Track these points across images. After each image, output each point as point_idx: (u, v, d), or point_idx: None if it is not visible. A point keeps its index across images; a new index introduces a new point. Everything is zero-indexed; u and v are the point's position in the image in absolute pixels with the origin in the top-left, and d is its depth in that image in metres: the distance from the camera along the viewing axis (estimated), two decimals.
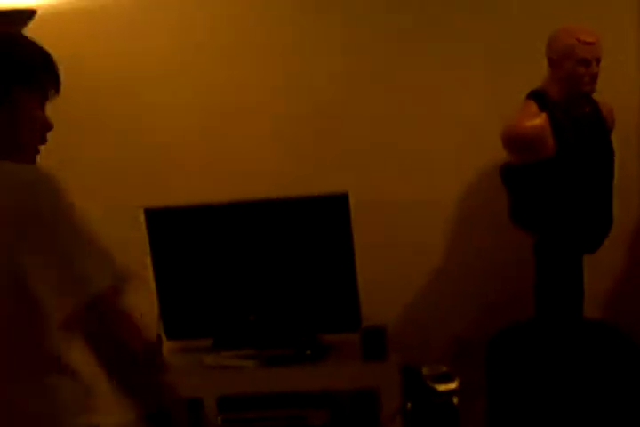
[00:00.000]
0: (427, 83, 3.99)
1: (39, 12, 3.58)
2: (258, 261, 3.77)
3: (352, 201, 3.68)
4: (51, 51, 1.79)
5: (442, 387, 3.76)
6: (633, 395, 3.70)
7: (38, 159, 1.84)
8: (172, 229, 3.79)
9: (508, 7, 3.93)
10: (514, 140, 3.51)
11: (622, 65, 3.89)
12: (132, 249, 3.82)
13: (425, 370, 3.85)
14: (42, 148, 1.85)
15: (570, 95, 3.47)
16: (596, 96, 3.53)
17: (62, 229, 1.67)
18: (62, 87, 1.83)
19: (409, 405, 3.75)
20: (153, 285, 3.77)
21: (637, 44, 3.93)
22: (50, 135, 1.85)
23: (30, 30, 3.54)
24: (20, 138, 1.80)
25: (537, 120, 3.45)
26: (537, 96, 3.51)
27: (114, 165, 3.98)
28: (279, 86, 3.98)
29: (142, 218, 3.72)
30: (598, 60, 3.38)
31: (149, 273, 3.77)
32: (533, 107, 3.49)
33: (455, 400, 3.74)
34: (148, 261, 3.76)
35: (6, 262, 1.63)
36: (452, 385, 3.77)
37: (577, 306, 3.73)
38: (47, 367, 1.70)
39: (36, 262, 1.62)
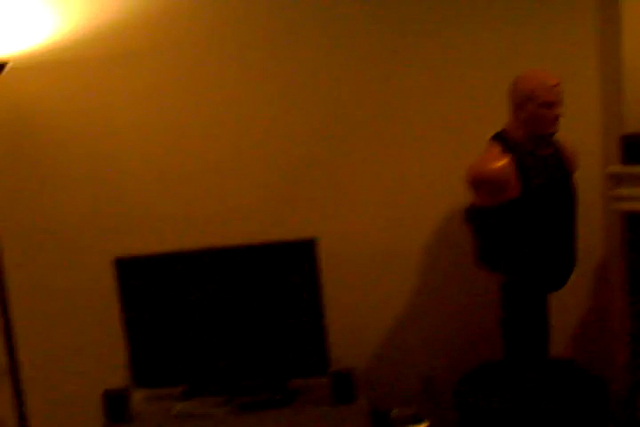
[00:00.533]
0: (390, 129, 4.02)
1: (9, 65, 3.58)
2: (227, 308, 3.74)
3: (320, 246, 3.68)
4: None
5: None
6: None
7: None
8: (142, 277, 3.74)
9: (471, 51, 3.99)
10: (479, 182, 3.52)
11: (584, 107, 3.97)
12: (102, 298, 3.81)
13: (394, 412, 3.85)
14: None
15: (533, 137, 3.51)
16: (558, 138, 3.58)
17: None
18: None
19: None
20: (123, 333, 3.73)
21: (599, 87, 4.01)
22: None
23: (1, 82, 3.55)
24: None
25: (501, 162, 3.48)
26: (501, 138, 3.54)
27: (84, 215, 3.97)
28: (248, 135, 3.99)
29: (113, 267, 3.69)
30: (560, 103, 3.43)
31: (118, 322, 3.74)
32: (497, 149, 3.51)
33: None
34: (119, 309, 3.73)
35: None
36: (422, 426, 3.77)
37: (543, 345, 3.75)
38: None
39: None
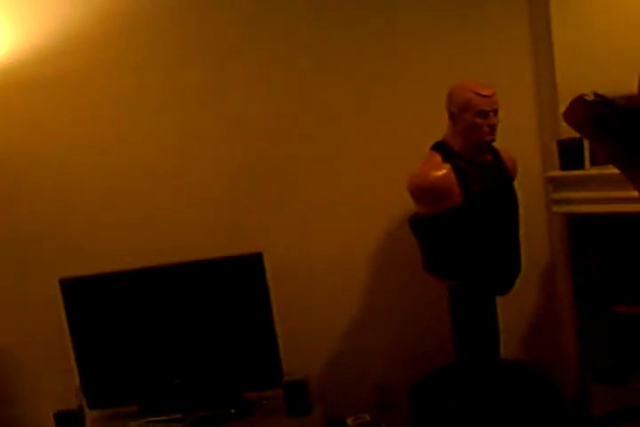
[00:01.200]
0: (334, 140, 4.05)
1: None
2: (178, 325, 3.75)
3: (266, 260, 3.70)
4: None
5: None
6: None
7: None
8: (88, 297, 3.74)
9: (410, 61, 4.04)
10: (421, 191, 3.57)
11: (521, 114, 4.03)
12: (49, 319, 3.80)
13: (349, 421, 3.87)
14: None
15: (471, 145, 3.56)
16: (497, 145, 3.63)
17: None
18: None
19: None
20: (72, 355, 3.73)
21: (534, 94, 4.07)
22: None
23: None
24: None
25: (442, 170, 3.52)
26: (440, 147, 3.59)
27: (30, 235, 3.95)
28: (193, 150, 3.99)
29: (58, 288, 3.68)
30: (496, 111, 3.47)
31: (68, 343, 3.73)
32: (437, 158, 3.56)
33: None
34: (66, 330, 3.72)
35: None
36: None
37: (494, 347, 3.79)
38: None
39: None
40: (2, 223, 3.94)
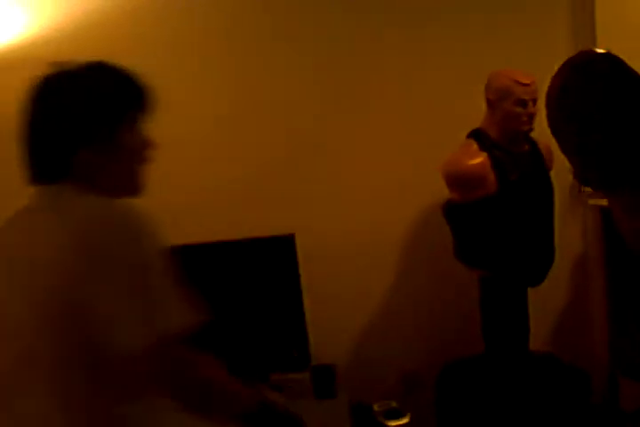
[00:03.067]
0: (368, 123, 4.03)
1: None
2: (208, 304, 3.76)
3: (299, 242, 3.69)
4: None
5: (393, 423, 3.78)
6: (582, 424, 3.76)
7: None
8: None
9: (448, 48, 4.02)
10: (456, 179, 3.56)
11: None
12: None
13: (375, 407, 3.87)
14: None
15: (508, 134, 3.54)
16: (534, 135, 3.61)
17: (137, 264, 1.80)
18: None
19: None
20: None
21: None
22: None
23: None
24: (121, 175, 2.03)
25: (478, 159, 3.51)
26: (477, 135, 3.58)
27: None
28: (225, 130, 3.99)
29: None
30: (535, 101, 3.44)
31: None
32: (474, 146, 3.55)
33: None
34: None
35: (69, 290, 1.71)
36: (403, 421, 3.79)
37: (523, 339, 3.78)
38: (114, 396, 1.80)
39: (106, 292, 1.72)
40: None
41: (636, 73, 1.68)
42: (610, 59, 1.67)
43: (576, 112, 1.57)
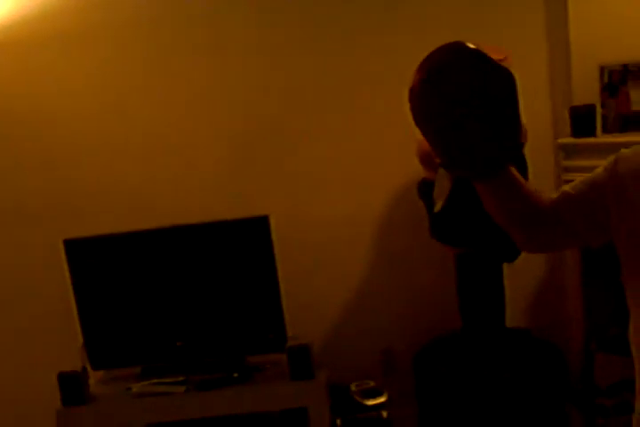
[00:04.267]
0: (344, 99, 4.02)
1: None
2: (182, 287, 3.74)
3: (273, 224, 3.67)
4: None
5: (371, 402, 3.79)
6: (557, 398, 3.77)
7: None
8: (92, 258, 3.74)
9: (422, 24, 3.98)
10: (428, 156, 3.54)
11: (533, 80, 3.98)
12: (53, 281, 3.78)
13: (353, 386, 3.87)
14: None
15: None
16: None
17: None
18: None
19: (339, 421, 3.76)
20: (76, 315, 3.72)
21: (547, 59, 4.01)
22: None
23: None
24: None
25: None
26: None
27: (35, 196, 3.95)
28: (199, 111, 3.97)
29: (62, 249, 3.67)
30: None
31: (72, 304, 3.72)
32: None
33: (385, 414, 3.76)
34: (70, 292, 3.71)
35: None
36: (381, 399, 3.80)
37: (499, 315, 3.78)
38: None
39: None
40: (6, 182, 3.93)
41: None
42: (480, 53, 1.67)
43: (453, 98, 1.55)
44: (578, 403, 3.99)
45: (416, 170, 3.59)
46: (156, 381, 3.66)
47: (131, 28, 3.86)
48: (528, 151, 3.70)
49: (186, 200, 3.92)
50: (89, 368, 3.72)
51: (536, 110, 3.99)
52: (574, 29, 3.79)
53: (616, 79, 3.68)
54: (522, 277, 4.06)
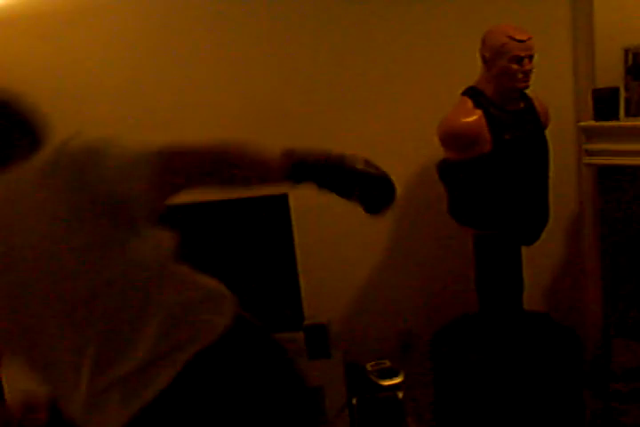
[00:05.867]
0: (363, 83, 4.00)
1: None
2: (198, 263, 3.74)
3: (293, 200, 3.67)
4: None
5: (387, 382, 3.79)
6: (574, 383, 3.77)
7: None
8: None
9: (443, 5, 3.96)
10: (450, 137, 3.53)
11: (556, 61, 3.96)
12: None
13: (369, 366, 3.88)
14: None
15: (504, 92, 3.50)
16: (530, 93, 3.57)
17: None
18: None
19: (354, 401, 3.77)
20: None
21: (571, 41, 3.99)
22: None
23: None
24: None
25: (473, 116, 3.48)
26: (472, 93, 3.54)
27: None
28: (220, 84, 3.94)
29: None
30: (531, 57, 3.41)
31: None
32: (469, 103, 3.51)
33: (400, 395, 3.77)
34: None
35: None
36: (397, 380, 3.80)
37: (517, 297, 3.78)
38: None
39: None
40: None
41: None
42: None
43: None
44: (593, 388, 3.98)
45: (435, 150, 3.59)
46: None
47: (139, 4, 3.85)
48: (549, 134, 3.70)
49: None
50: None
51: (558, 93, 3.98)
52: (599, 11, 3.76)
53: None
54: (541, 260, 4.05)
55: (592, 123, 3.76)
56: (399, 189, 4.08)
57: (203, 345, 1.95)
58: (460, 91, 3.56)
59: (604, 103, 3.69)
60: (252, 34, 3.91)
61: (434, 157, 3.67)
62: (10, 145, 1.99)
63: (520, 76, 3.44)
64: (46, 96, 3.84)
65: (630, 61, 3.60)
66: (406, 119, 3.99)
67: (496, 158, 3.50)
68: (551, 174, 3.69)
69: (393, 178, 2.20)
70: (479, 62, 3.50)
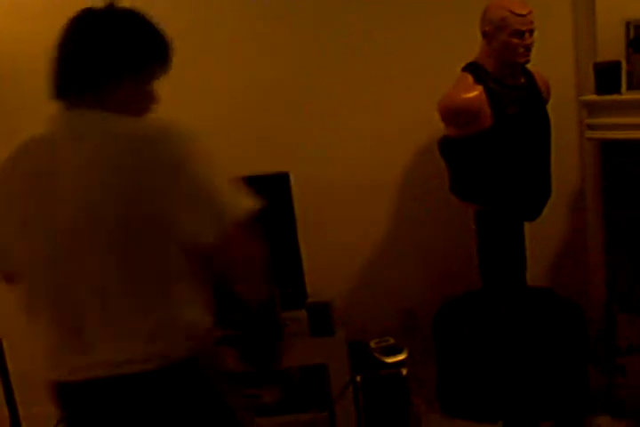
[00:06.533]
0: (364, 62, 3.98)
1: None
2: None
3: (295, 180, 3.66)
4: None
5: (390, 359, 3.79)
6: (578, 359, 3.77)
7: None
8: None
9: None
10: (451, 113, 3.52)
11: (557, 36, 3.93)
12: None
13: (372, 343, 3.88)
14: None
15: (504, 67, 3.49)
16: (530, 67, 3.55)
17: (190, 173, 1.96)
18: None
19: (358, 378, 3.77)
20: None
21: (571, 15, 3.97)
22: None
23: None
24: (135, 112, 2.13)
25: (473, 92, 3.47)
26: (472, 68, 3.52)
27: None
28: (222, 71, 3.94)
29: None
30: (532, 32, 3.39)
31: None
32: (469, 79, 3.50)
33: (404, 371, 3.77)
34: None
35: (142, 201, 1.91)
36: (401, 357, 3.80)
37: (520, 273, 3.78)
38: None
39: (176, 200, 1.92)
40: None
41: None
42: None
43: None
44: (597, 363, 3.98)
45: (437, 127, 3.57)
46: None
47: None
48: (550, 109, 3.69)
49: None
50: None
51: (559, 67, 3.95)
52: None
53: None
54: (544, 235, 4.04)
55: (594, 97, 3.73)
56: (401, 169, 4.10)
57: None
58: (461, 66, 3.55)
59: (606, 77, 3.66)
60: (254, 30, 3.93)
61: (435, 135, 3.66)
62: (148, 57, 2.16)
63: (521, 50, 3.42)
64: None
65: (632, 34, 3.57)
66: (408, 97, 3.97)
67: (497, 134, 3.49)
68: (553, 149, 3.67)
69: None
70: (479, 37, 3.48)
